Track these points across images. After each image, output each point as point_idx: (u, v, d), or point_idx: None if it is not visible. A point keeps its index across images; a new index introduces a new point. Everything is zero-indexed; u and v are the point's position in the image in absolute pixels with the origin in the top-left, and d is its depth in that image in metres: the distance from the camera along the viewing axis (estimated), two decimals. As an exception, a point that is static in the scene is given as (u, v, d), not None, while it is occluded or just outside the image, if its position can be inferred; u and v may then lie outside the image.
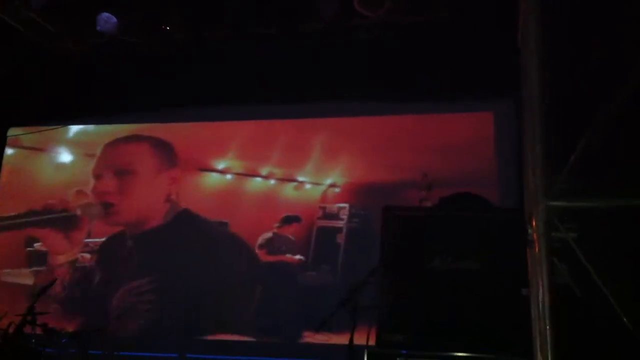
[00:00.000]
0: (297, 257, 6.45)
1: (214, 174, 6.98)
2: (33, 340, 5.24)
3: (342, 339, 3.66)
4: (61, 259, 6.99)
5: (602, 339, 2.48)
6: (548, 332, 2.13)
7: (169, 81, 6.85)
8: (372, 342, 3.56)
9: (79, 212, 7.12)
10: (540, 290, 2.19)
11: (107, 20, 6.12)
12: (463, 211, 3.86)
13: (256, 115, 6.91)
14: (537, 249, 2.24)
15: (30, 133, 7.43)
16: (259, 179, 6.85)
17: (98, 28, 6.17)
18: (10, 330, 5.12)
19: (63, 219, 7.13)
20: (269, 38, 6.46)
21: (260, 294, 6.38)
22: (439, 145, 6.30)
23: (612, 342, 2.44)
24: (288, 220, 6.57)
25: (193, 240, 6.79)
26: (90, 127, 7.49)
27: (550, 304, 2.16)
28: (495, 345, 3.39)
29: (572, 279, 2.42)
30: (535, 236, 2.26)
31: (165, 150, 7.17)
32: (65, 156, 7.46)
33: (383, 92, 6.38)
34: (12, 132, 7.56)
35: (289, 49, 6.60)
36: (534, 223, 2.28)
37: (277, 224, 6.58)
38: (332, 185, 6.58)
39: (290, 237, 6.53)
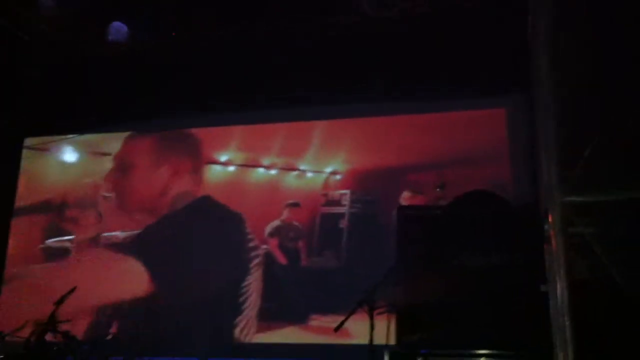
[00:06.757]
0: (303, 243, 6.59)
1: (217, 167, 7.05)
2: (55, 348, 5.30)
3: (359, 338, 3.64)
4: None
5: (623, 334, 2.47)
6: (568, 328, 2.12)
7: (171, 86, 6.87)
8: (391, 342, 3.57)
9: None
10: (559, 286, 2.18)
11: (118, 29, 6.16)
12: (478, 208, 3.86)
13: (256, 117, 6.99)
14: (554, 245, 2.23)
15: (46, 143, 7.50)
16: (261, 170, 6.93)
17: (109, 38, 6.20)
18: (33, 338, 5.18)
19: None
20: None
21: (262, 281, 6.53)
22: (442, 126, 6.39)
23: (634, 338, 2.42)
24: (290, 206, 6.71)
25: (201, 233, 6.86)
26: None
27: (569, 299, 2.14)
28: (515, 342, 3.38)
29: (591, 274, 2.41)
30: (552, 232, 2.24)
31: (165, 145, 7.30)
32: (72, 156, 7.57)
33: (389, 83, 6.39)
34: (29, 142, 7.63)
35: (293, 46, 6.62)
36: (550, 219, 2.26)
37: (282, 212, 6.69)
38: (334, 173, 6.68)
39: (296, 224, 6.65)
